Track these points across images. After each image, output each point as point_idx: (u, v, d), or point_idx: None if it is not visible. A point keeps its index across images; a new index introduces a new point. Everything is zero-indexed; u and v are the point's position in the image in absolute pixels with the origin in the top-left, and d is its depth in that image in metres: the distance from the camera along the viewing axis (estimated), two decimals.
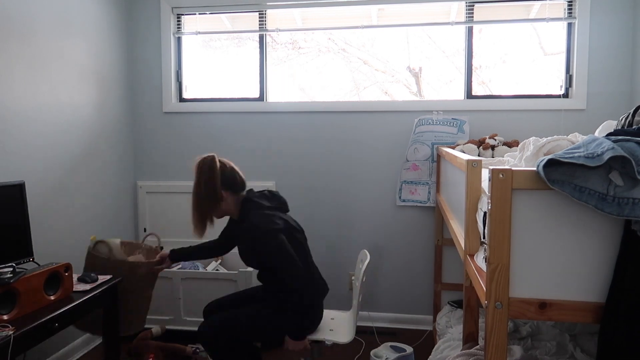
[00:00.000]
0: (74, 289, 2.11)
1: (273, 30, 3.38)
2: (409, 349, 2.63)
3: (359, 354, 2.77)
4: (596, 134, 1.74)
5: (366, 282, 3.28)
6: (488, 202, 1.08)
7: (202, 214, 2.15)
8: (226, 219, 2.35)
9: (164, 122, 3.49)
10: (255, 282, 2.84)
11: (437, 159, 3.08)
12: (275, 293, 2.17)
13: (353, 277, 3.28)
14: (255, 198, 2.18)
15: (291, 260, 2.00)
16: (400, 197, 3.25)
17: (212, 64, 3.60)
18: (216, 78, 3.58)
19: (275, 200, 2.24)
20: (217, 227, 2.25)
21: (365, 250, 2.41)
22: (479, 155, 2.79)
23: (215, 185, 2.10)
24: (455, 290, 3.09)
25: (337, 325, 2.29)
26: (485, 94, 3.26)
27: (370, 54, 3.45)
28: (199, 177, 2.12)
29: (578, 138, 1.47)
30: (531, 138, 1.57)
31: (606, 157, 0.95)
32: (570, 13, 3.06)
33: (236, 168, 2.22)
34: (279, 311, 2.12)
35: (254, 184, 3.41)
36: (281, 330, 2.10)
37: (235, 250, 3.34)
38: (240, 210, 2.18)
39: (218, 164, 2.13)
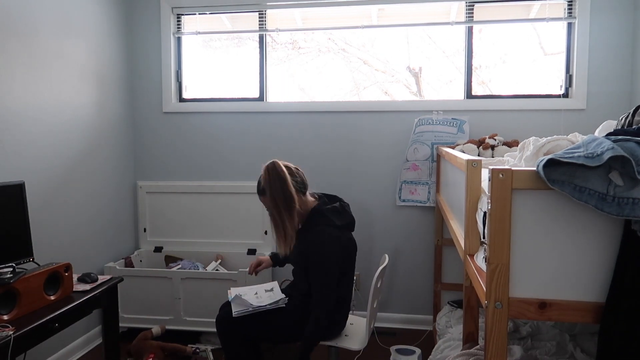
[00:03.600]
0: (74, 289, 2.12)
1: (273, 30, 3.38)
2: (417, 351, 2.64)
3: (358, 354, 2.77)
4: (596, 133, 1.74)
5: (367, 283, 3.28)
6: (488, 202, 1.08)
7: (285, 221, 2.01)
8: None
9: (164, 122, 3.49)
10: (259, 283, 2.85)
11: (437, 159, 3.08)
12: (302, 293, 2.15)
13: (354, 278, 3.28)
14: (327, 213, 2.07)
15: (328, 289, 2.00)
16: (400, 197, 3.25)
17: (212, 64, 3.60)
18: (216, 78, 3.58)
19: (345, 219, 2.13)
20: None
21: (386, 255, 2.38)
22: (478, 155, 2.79)
23: (288, 186, 1.99)
24: (455, 290, 3.09)
25: (353, 331, 2.26)
26: (485, 94, 3.26)
27: (370, 54, 3.45)
28: (274, 183, 1.99)
29: (578, 138, 1.46)
30: (531, 138, 1.57)
31: (606, 157, 0.95)
32: (570, 13, 3.05)
33: (297, 167, 2.13)
34: (298, 314, 2.12)
35: (254, 184, 3.40)
36: (294, 334, 2.12)
37: (235, 250, 3.38)
38: (308, 219, 2.08)
39: (282, 166, 2.02)
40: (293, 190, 2.01)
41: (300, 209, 2.05)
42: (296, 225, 2.07)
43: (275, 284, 2.38)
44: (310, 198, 2.16)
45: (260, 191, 2.11)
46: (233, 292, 2.23)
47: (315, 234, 2.02)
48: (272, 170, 2.02)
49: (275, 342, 2.41)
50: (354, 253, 2.21)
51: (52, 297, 1.99)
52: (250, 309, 2.11)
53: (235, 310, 2.10)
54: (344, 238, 2.10)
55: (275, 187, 1.99)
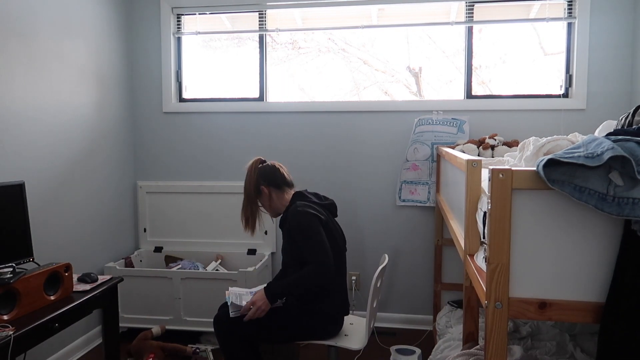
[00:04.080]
0: (74, 289, 2.12)
1: (273, 30, 3.38)
2: (417, 351, 2.64)
3: (358, 354, 2.77)
4: (596, 133, 1.74)
5: (367, 283, 3.28)
6: (488, 202, 1.08)
7: (247, 209, 2.29)
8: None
9: (164, 122, 3.49)
10: (259, 283, 2.85)
11: (437, 159, 3.08)
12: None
13: (353, 278, 3.28)
14: (305, 192, 2.29)
15: (320, 241, 2.04)
16: (400, 197, 3.25)
17: (212, 64, 3.60)
18: (216, 78, 3.58)
19: (325, 201, 2.31)
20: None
21: (386, 255, 2.39)
22: (478, 155, 2.80)
23: (250, 180, 2.26)
24: (455, 290, 3.09)
25: (353, 331, 2.26)
26: (485, 94, 3.26)
27: (370, 54, 3.45)
28: (245, 177, 2.29)
29: (578, 138, 1.46)
30: (531, 138, 1.57)
31: (606, 157, 0.95)
32: (570, 13, 3.06)
33: (278, 165, 2.32)
34: (296, 314, 2.12)
35: None
36: (292, 335, 2.12)
37: (235, 250, 3.37)
38: (290, 203, 2.25)
39: (257, 163, 2.29)
40: (253, 183, 2.26)
41: (276, 200, 2.28)
42: (271, 213, 2.33)
43: None
44: (291, 192, 2.30)
45: None
46: (231, 292, 2.23)
47: (291, 210, 2.17)
48: (248, 166, 2.31)
49: (273, 342, 2.41)
50: (338, 235, 2.23)
51: (52, 297, 1.99)
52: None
53: (233, 310, 2.10)
54: (320, 209, 2.17)
55: (245, 180, 2.29)
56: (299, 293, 2.10)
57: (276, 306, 2.14)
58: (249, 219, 2.31)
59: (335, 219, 2.33)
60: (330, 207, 2.30)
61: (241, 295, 2.20)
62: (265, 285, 2.14)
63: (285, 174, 2.30)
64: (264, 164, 2.30)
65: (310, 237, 2.05)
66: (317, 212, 2.13)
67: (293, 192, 2.29)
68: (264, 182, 2.26)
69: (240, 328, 2.11)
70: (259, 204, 2.31)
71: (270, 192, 2.26)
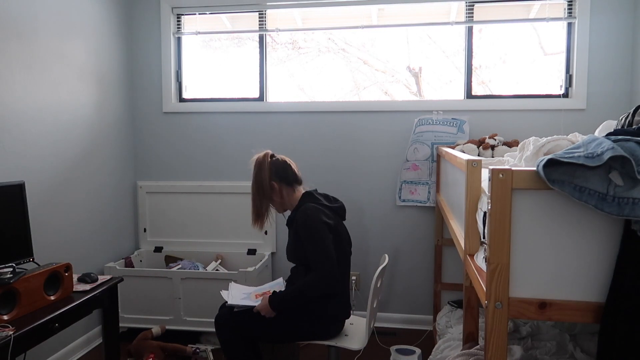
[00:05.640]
0: (74, 289, 2.12)
1: (273, 30, 3.38)
2: (417, 351, 2.63)
3: (358, 354, 2.77)
4: (596, 133, 1.74)
5: (367, 283, 3.28)
6: (488, 202, 1.08)
7: (258, 204, 2.21)
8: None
9: (164, 122, 3.49)
10: (259, 283, 2.85)
11: (437, 159, 3.08)
12: None
13: (353, 278, 3.28)
14: (315, 194, 2.25)
15: (327, 249, 2.02)
16: (400, 197, 3.25)
17: (212, 64, 3.60)
18: (216, 78, 3.58)
19: (335, 204, 2.27)
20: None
21: (386, 255, 2.39)
22: (478, 155, 2.79)
23: (264, 175, 2.18)
24: (455, 290, 3.09)
25: (353, 331, 2.25)
26: (485, 94, 3.26)
27: (370, 54, 3.45)
28: (253, 172, 2.21)
29: (578, 138, 1.46)
30: (531, 138, 1.57)
31: (606, 157, 0.95)
32: (570, 13, 3.05)
33: (289, 162, 2.28)
34: (297, 314, 2.11)
35: None
36: (293, 334, 2.12)
37: (235, 250, 3.37)
38: (299, 202, 2.22)
39: (269, 158, 2.22)
40: (267, 178, 2.18)
41: (286, 196, 2.23)
42: (279, 209, 2.27)
43: (280, 282, 2.38)
44: (301, 189, 2.27)
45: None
46: (230, 290, 2.25)
47: (301, 211, 2.13)
48: (257, 159, 2.23)
49: (274, 342, 2.41)
50: (345, 238, 2.22)
51: (52, 297, 1.99)
52: (243, 300, 2.14)
53: (231, 301, 2.14)
54: (329, 213, 2.16)
55: (255, 173, 2.21)
56: (304, 302, 2.08)
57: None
58: (260, 215, 2.24)
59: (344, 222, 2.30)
60: (339, 210, 2.26)
61: (239, 295, 2.21)
62: (268, 290, 2.15)
63: (295, 170, 2.27)
64: (275, 159, 2.24)
65: (318, 244, 2.04)
66: (327, 218, 2.11)
67: (303, 191, 2.26)
68: (275, 177, 2.20)
69: (242, 327, 2.11)
70: (267, 197, 2.24)
71: (280, 189, 2.21)
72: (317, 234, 2.05)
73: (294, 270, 2.25)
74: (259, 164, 2.20)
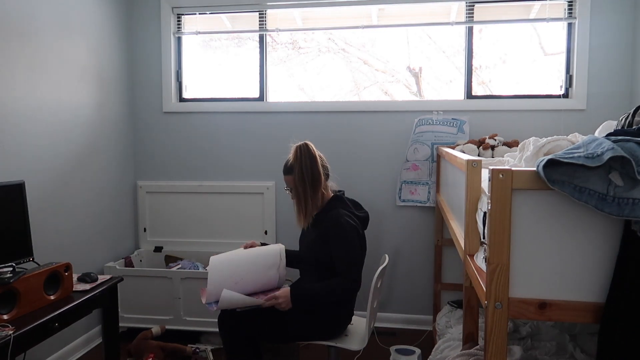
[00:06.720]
0: (73, 289, 2.12)
1: (273, 30, 3.38)
2: (417, 351, 2.63)
3: (358, 354, 2.77)
4: (596, 134, 1.74)
5: (367, 283, 3.27)
6: (488, 202, 1.08)
7: (306, 200, 2.11)
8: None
9: (164, 122, 3.49)
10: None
11: (437, 159, 3.08)
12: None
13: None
14: (345, 199, 2.21)
15: (356, 258, 2.06)
16: (400, 197, 3.25)
17: (212, 64, 3.60)
18: (216, 78, 3.58)
19: (361, 212, 2.26)
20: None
21: (386, 255, 2.40)
22: (478, 155, 2.79)
23: (317, 165, 2.11)
24: (455, 290, 3.09)
25: (353, 331, 2.25)
26: (485, 94, 3.26)
27: (370, 54, 3.45)
28: (302, 163, 2.09)
29: (578, 138, 1.47)
30: (531, 138, 1.57)
31: (606, 157, 0.95)
32: (570, 13, 3.05)
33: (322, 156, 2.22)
34: (301, 313, 2.11)
35: (254, 184, 3.43)
36: (296, 334, 2.12)
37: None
38: (327, 204, 2.17)
39: (314, 148, 2.14)
40: (321, 170, 2.13)
41: (324, 191, 2.17)
42: (317, 205, 2.16)
43: (280, 249, 2.20)
44: (332, 185, 2.26)
45: (288, 169, 2.17)
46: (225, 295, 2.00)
47: (333, 216, 2.09)
48: (305, 149, 2.12)
49: (277, 342, 2.41)
50: (364, 248, 2.24)
51: (52, 297, 1.99)
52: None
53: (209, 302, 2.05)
54: (358, 222, 2.16)
55: (305, 164, 2.09)
56: (323, 303, 2.08)
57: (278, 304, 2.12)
58: (309, 211, 2.13)
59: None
60: (364, 221, 2.26)
61: (239, 297, 2.08)
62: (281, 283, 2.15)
63: (328, 167, 2.22)
64: (319, 154, 2.17)
65: (349, 252, 2.05)
66: (358, 227, 2.12)
67: (331, 193, 2.22)
68: (322, 169, 2.14)
69: (245, 326, 2.11)
70: (318, 192, 2.12)
71: (325, 183, 2.18)
72: (350, 243, 2.06)
73: (303, 272, 2.27)
74: (310, 154, 2.10)
